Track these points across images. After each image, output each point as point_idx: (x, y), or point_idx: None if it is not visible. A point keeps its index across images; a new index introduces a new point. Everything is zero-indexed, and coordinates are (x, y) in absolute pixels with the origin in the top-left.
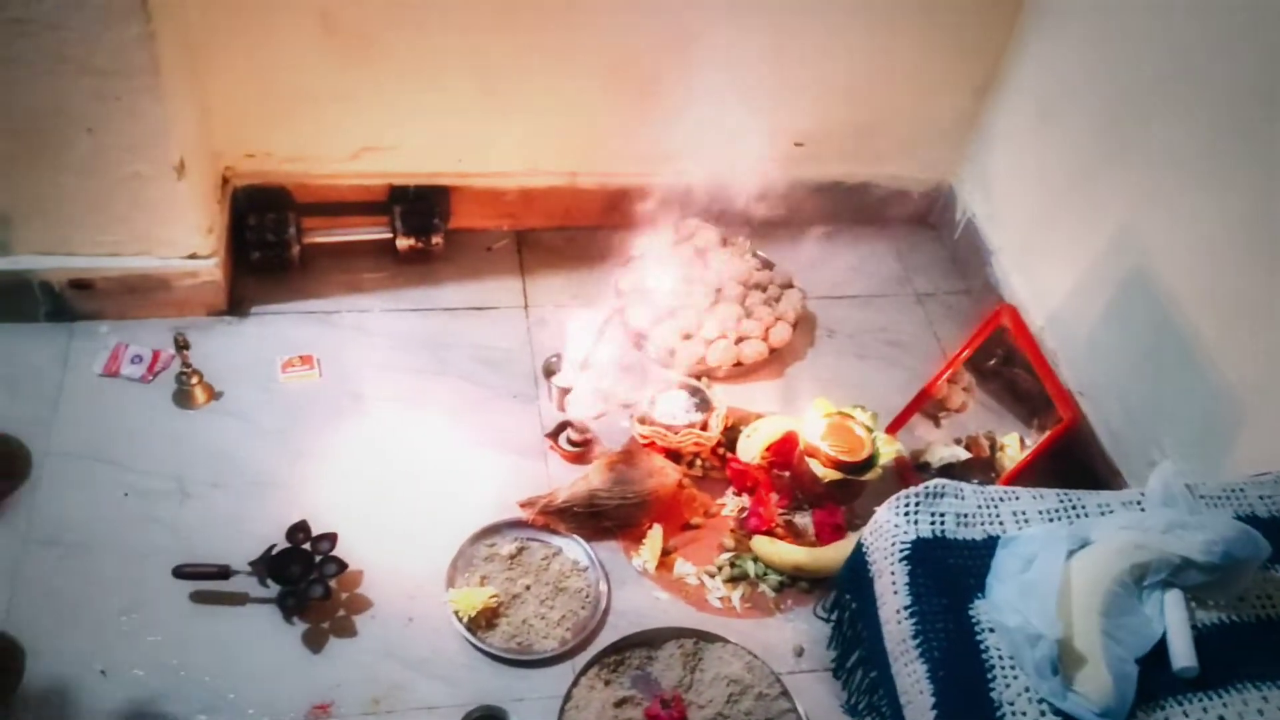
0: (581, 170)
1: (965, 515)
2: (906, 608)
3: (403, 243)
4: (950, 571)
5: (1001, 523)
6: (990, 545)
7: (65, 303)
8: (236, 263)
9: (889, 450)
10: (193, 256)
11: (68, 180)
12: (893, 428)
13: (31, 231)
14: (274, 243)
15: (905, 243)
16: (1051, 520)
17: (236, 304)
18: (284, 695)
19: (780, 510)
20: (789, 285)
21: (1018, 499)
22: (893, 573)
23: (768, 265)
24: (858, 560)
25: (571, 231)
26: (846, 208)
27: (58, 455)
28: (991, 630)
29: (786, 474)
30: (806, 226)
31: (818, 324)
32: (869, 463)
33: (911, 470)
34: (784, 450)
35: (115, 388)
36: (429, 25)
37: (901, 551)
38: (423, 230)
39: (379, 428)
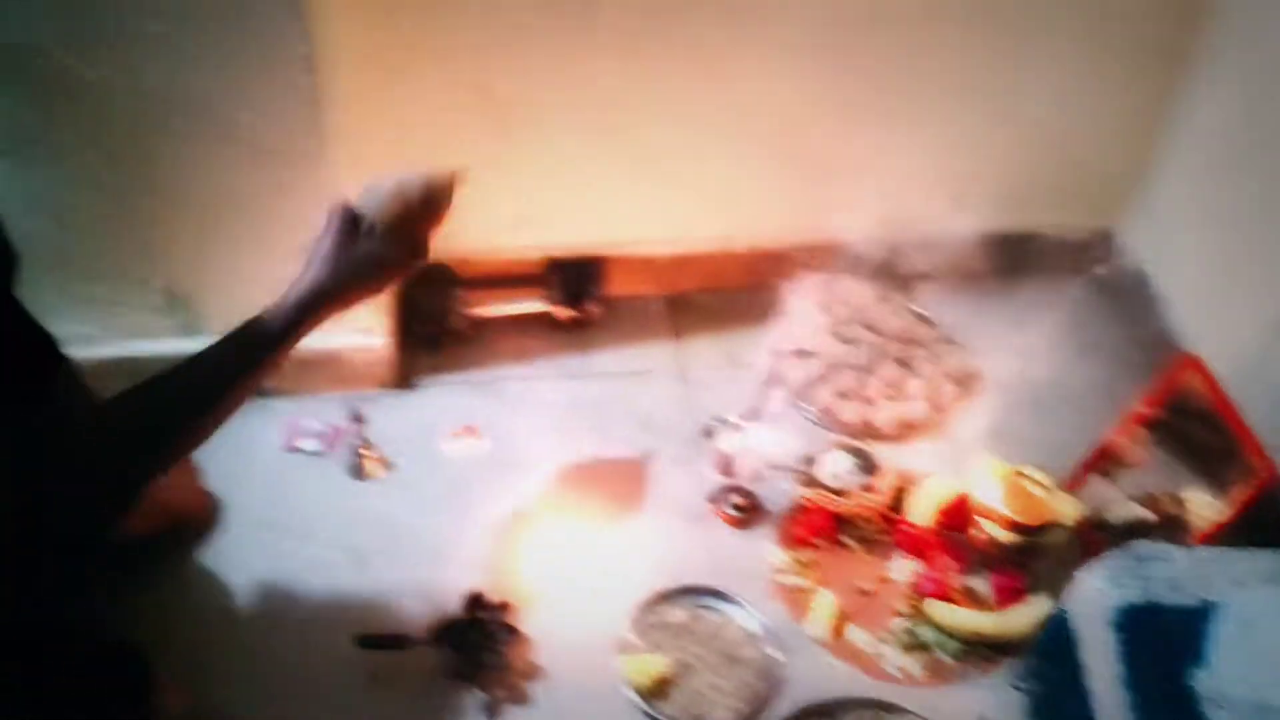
0: (734, 232)
1: (1176, 579)
2: (1120, 678)
3: (560, 312)
4: (1165, 640)
5: (1217, 586)
6: (1206, 611)
7: None
8: (404, 337)
9: (1069, 511)
10: (364, 333)
11: (244, 261)
12: (1068, 486)
13: (213, 312)
14: (438, 317)
15: (1071, 293)
16: (1273, 583)
17: (405, 377)
18: None
19: (956, 574)
20: (951, 341)
21: (1231, 560)
22: (1102, 641)
23: (928, 321)
24: (1058, 628)
25: (726, 293)
26: (1009, 258)
27: (240, 526)
28: (1220, 706)
29: (960, 536)
30: (967, 279)
31: (982, 380)
32: (1049, 524)
33: (1092, 531)
34: (957, 513)
35: (294, 461)
36: (581, 97)
37: (1111, 618)
38: (579, 299)
39: (544, 495)
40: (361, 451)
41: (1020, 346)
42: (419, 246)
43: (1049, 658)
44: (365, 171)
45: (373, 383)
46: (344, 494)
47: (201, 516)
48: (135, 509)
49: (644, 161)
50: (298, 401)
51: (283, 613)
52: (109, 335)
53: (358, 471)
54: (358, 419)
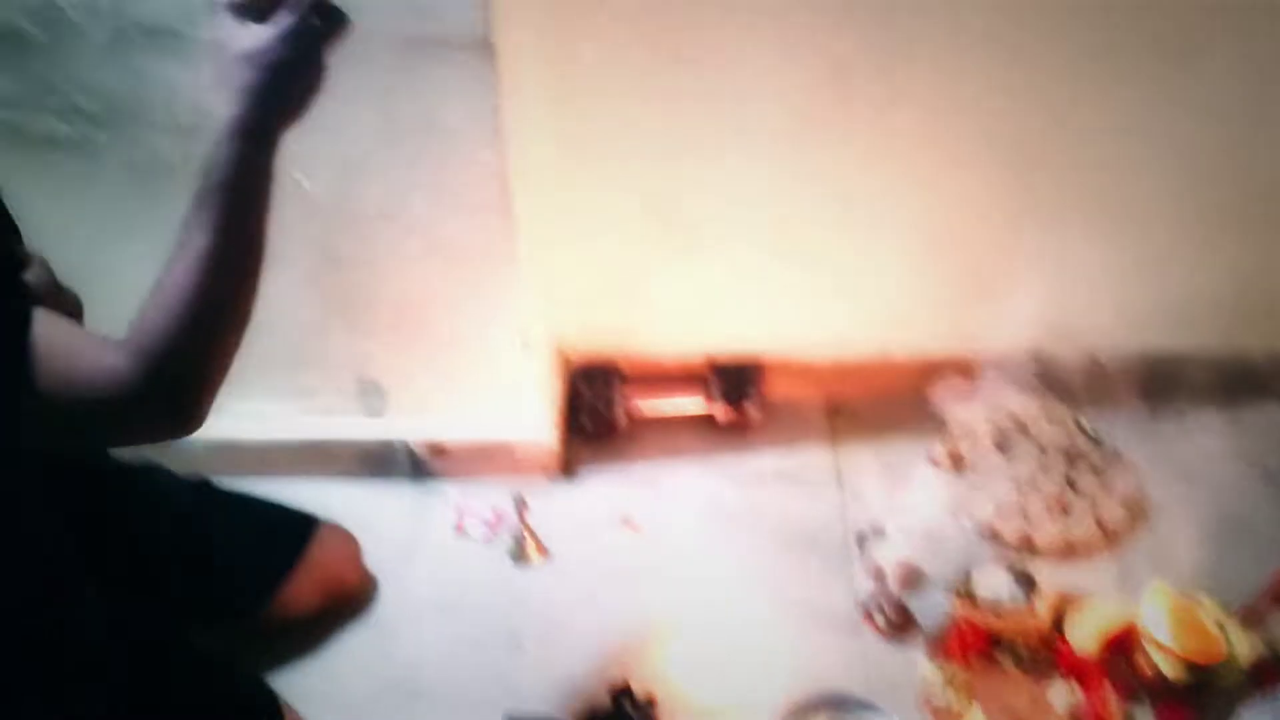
0: (896, 340)
1: None
2: None
3: (719, 413)
4: None
5: None
6: None
7: (422, 464)
8: (569, 430)
9: (1243, 647)
10: (532, 424)
11: (430, 354)
12: (1244, 620)
13: (400, 400)
14: (602, 412)
15: (1250, 415)
16: None
17: (567, 468)
18: None
19: (1118, 704)
20: (1119, 460)
21: None
22: None
23: (1096, 438)
24: None
25: (885, 401)
26: (1183, 377)
27: (404, 603)
28: None
29: (1124, 665)
30: (1138, 398)
31: (1152, 502)
32: (1224, 661)
33: (1269, 669)
34: (1122, 640)
35: (460, 543)
36: (747, 205)
37: None
38: (738, 401)
39: (695, 592)
40: (523, 537)
41: (1196, 470)
42: None
43: None
44: (551, 274)
45: (536, 471)
46: (504, 577)
47: (358, 593)
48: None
49: (807, 267)
50: (466, 485)
51: (436, 688)
52: (302, 417)
53: (519, 556)
54: (521, 505)
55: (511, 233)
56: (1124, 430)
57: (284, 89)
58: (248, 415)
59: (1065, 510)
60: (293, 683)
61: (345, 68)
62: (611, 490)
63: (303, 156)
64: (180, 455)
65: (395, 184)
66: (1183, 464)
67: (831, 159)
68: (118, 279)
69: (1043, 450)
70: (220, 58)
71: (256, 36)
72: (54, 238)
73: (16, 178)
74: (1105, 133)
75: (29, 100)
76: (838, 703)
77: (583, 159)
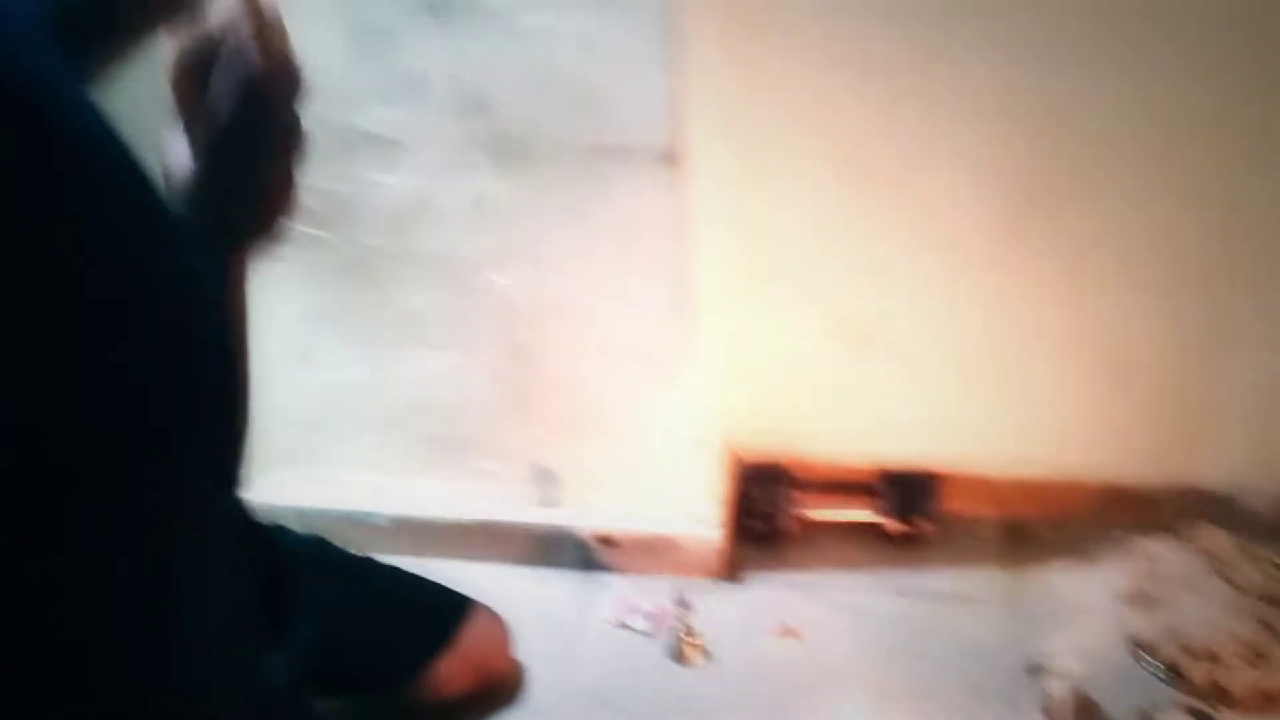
0: (1080, 462)
1: None
2: None
3: (890, 525)
4: None
5: None
6: None
7: (590, 555)
8: (736, 531)
9: None
10: (700, 523)
11: (606, 448)
12: None
13: (574, 490)
14: (770, 515)
15: None
16: None
17: (733, 570)
18: None
19: None
20: None
21: None
22: None
23: None
24: None
25: (1067, 526)
26: None
27: (562, 691)
28: None
29: None
30: None
31: None
32: None
33: None
34: None
35: (621, 637)
36: (933, 318)
37: None
38: (911, 513)
39: (854, 708)
40: (684, 637)
41: None
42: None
43: None
44: (728, 376)
45: (701, 571)
46: (662, 676)
47: (506, 679)
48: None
49: (991, 381)
50: (629, 580)
51: None
52: (476, 500)
53: (678, 655)
54: (684, 604)
55: (691, 335)
56: None
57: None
58: (425, 494)
59: (1261, 657)
60: None
61: (539, 170)
62: (775, 596)
63: (497, 254)
64: (354, 529)
65: (582, 282)
66: None
67: (1019, 277)
68: (331, 357)
69: (1238, 591)
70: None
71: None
72: (277, 323)
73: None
74: None
75: None
76: None
77: (765, 266)
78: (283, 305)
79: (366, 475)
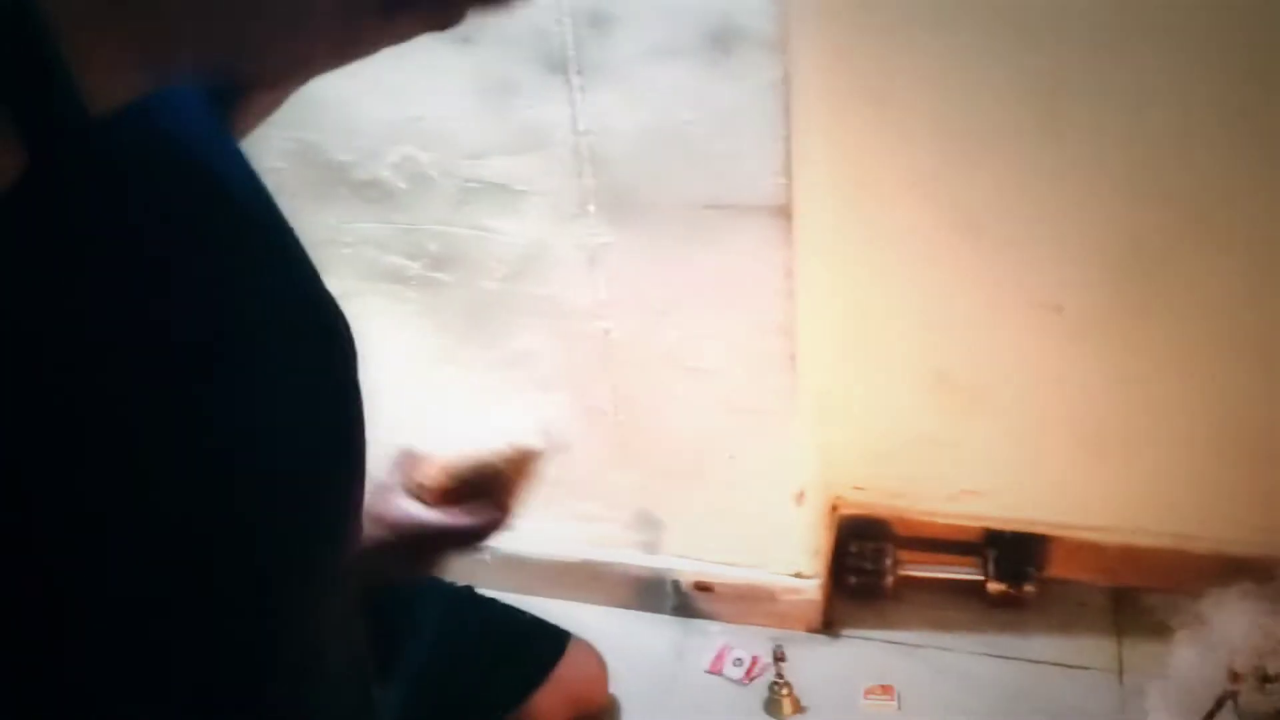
0: (1192, 532)
1: None
2: None
3: (993, 586)
4: None
5: None
6: None
7: (688, 601)
8: (834, 585)
9: None
10: (798, 575)
11: (706, 497)
12: None
13: (673, 536)
14: (870, 570)
15: None
16: None
17: (829, 624)
18: None
19: None
20: None
21: None
22: None
23: None
24: None
25: (1179, 596)
26: None
27: None
28: None
29: None
30: None
31: None
32: None
33: None
34: None
35: (715, 685)
36: (1039, 381)
37: None
38: (1015, 576)
39: None
40: (779, 689)
41: None
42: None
43: None
44: (832, 428)
45: (799, 624)
46: None
47: (602, 714)
48: None
49: (1100, 445)
50: (727, 628)
51: None
52: (579, 542)
53: (772, 708)
54: (780, 657)
55: (795, 388)
56: None
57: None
58: (530, 533)
59: None
60: None
61: (651, 222)
62: (873, 653)
63: (610, 304)
64: (459, 564)
65: (690, 333)
66: None
67: (1129, 340)
68: (447, 396)
69: None
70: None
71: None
72: (398, 360)
73: (372, 305)
74: None
75: (390, 241)
76: None
77: (870, 321)
78: (400, 344)
79: None
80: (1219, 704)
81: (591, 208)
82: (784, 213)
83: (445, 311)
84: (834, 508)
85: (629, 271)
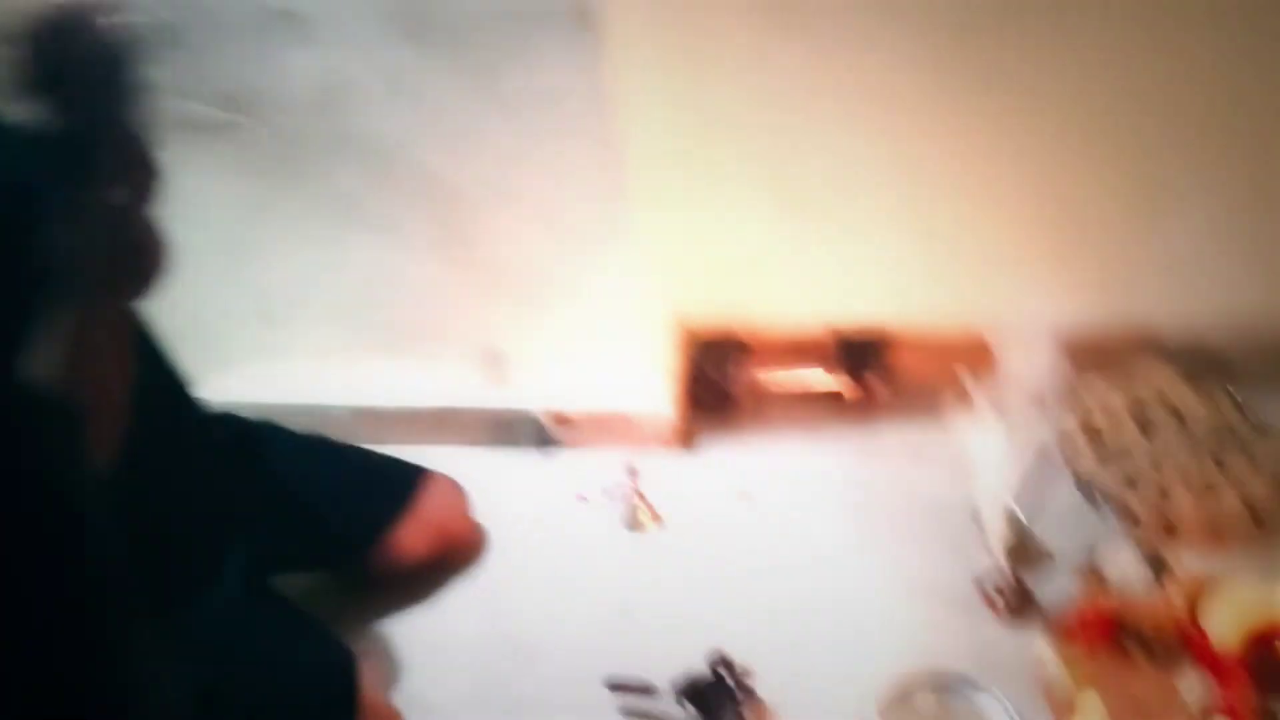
0: (1032, 312)
1: None
2: None
3: (843, 386)
4: None
5: None
6: None
7: (545, 434)
8: (688, 403)
9: None
10: (652, 397)
11: (554, 327)
12: None
13: (523, 371)
14: (722, 384)
15: None
16: None
17: (687, 440)
18: None
19: (1258, 702)
20: (1271, 435)
21: None
22: None
23: (1244, 412)
24: None
25: (1021, 380)
26: None
27: (521, 567)
28: None
29: (1267, 659)
30: None
31: None
32: None
33: None
34: (1266, 632)
35: (579, 509)
36: (867, 183)
37: None
38: (863, 375)
39: (806, 565)
40: (636, 505)
41: None
42: None
43: None
44: (670, 247)
45: (656, 442)
46: (616, 544)
47: (467, 543)
48: None
49: (928, 240)
50: (584, 454)
51: (542, 645)
52: (432, 385)
53: (632, 523)
54: (634, 474)
55: (625, 206)
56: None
57: None
58: (380, 383)
59: (1208, 490)
60: (402, 631)
61: (449, 43)
62: (729, 463)
63: (415, 130)
64: (306, 418)
65: (508, 156)
66: None
67: (954, 126)
68: (270, 249)
69: (1186, 426)
70: None
71: None
72: (211, 215)
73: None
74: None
75: (187, 89)
76: (945, 682)
77: (698, 131)
78: (213, 197)
79: (320, 366)
80: (1041, 458)
81: (385, 28)
82: (586, 16)
83: (252, 159)
84: (681, 326)
85: (433, 95)
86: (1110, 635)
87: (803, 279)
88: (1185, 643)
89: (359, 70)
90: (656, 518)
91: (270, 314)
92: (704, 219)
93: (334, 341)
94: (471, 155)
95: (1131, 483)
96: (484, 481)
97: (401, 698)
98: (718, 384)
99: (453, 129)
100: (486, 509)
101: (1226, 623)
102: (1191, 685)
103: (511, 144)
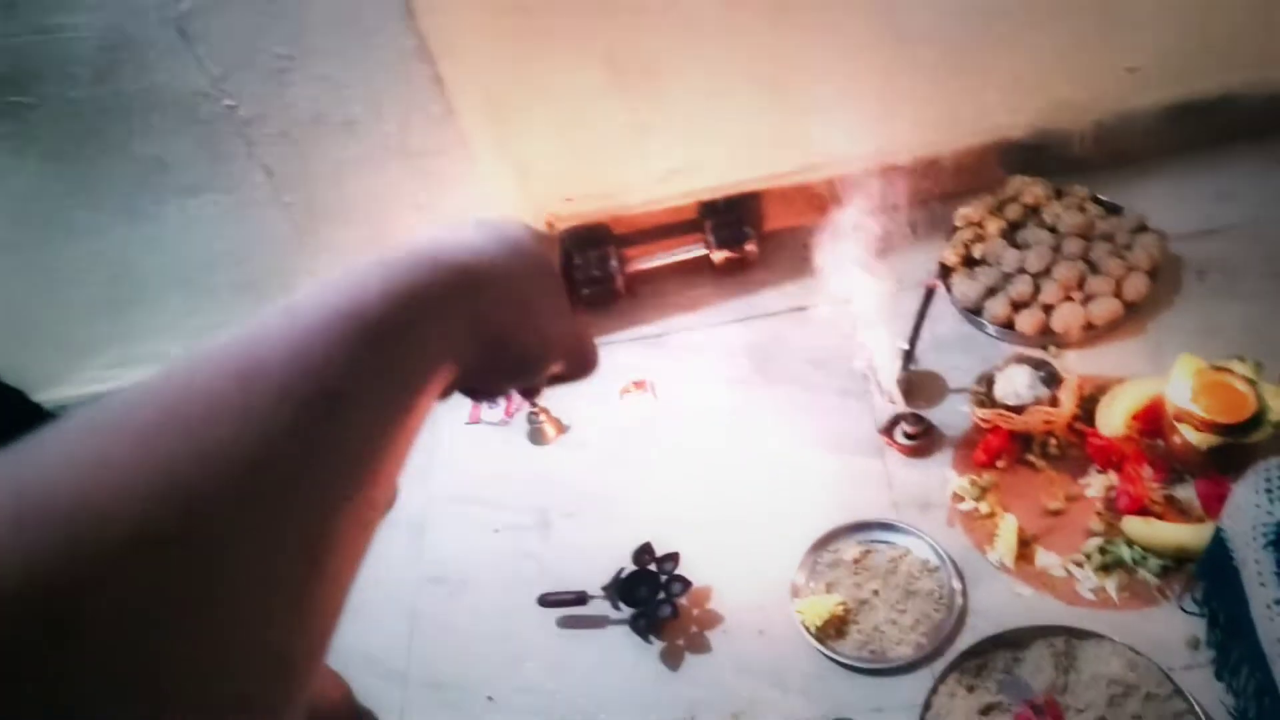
0: (890, 147)
1: None
2: (1278, 601)
3: (718, 256)
4: None
5: None
6: None
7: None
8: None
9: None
10: None
11: None
12: None
13: None
14: (599, 277)
15: None
16: None
17: None
18: (650, 712)
19: (1156, 485)
20: (1142, 229)
21: None
22: (1257, 561)
23: (1114, 210)
24: (1217, 549)
25: (889, 213)
26: (1204, 128)
27: (438, 500)
28: None
29: (1157, 444)
30: (1155, 158)
31: (1184, 267)
32: (1254, 421)
33: None
34: (1152, 418)
35: (479, 434)
36: (707, 44)
37: (1266, 536)
38: (735, 240)
39: (713, 442)
40: (536, 418)
41: (1225, 223)
42: None
43: (1212, 582)
44: (516, 145)
45: None
46: (526, 460)
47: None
48: None
49: (781, 92)
50: None
51: (473, 576)
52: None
53: (536, 437)
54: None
55: (455, 113)
56: (1146, 196)
57: None
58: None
59: (1084, 292)
60: None
61: None
62: (621, 355)
63: (223, 77)
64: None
65: (326, 86)
66: (1213, 219)
67: None
68: (90, 225)
69: (1057, 235)
70: None
71: None
72: (20, 204)
73: None
74: None
75: None
76: (863, 528)
77: (528, 20)
78: (18, 184)
79: (178, 342)
80: (928, 295)
81: None
82: None
83: (53, 138)
84: (549, 225)
85: (228, 35)
86: (1013, 453)
87: (660, 152)
88: (1083, 444)
89: (137, 22)
90: (561, 428)
91: (115, 300)
92: (546, 113)
93: (190, 311)
94: (284, 92)
95: (1012, 301)
96: None
97: (340, 657)
98: (596, 278)
99: (263, 68)
100: None
101: (1119, 416)
102: (1094, 483)
103: (325, 71)
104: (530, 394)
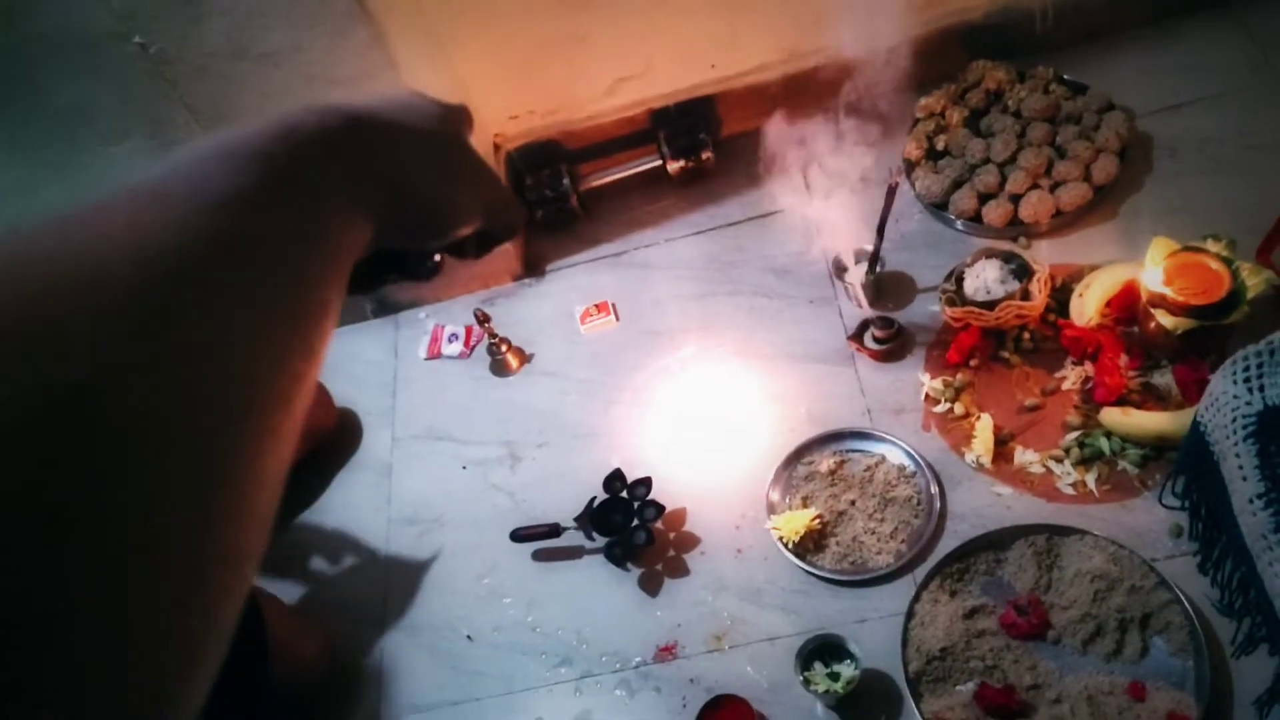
0: (846, 40)
1: None
2: (1260, 495)
3: (673, 166)
4: None
5: None
6: None
7: (385, 299)
8: (526, 227)
9: (1257, 280)
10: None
11: None
12: (1263, 251)
13: None
14: (553, 198)
15: (1258, 16)
16: None
17: (532, 265)
18: (631, 641)
19: (1132, 372)
20: (1109, 108)
21: None
22: (1238, 455)
23: (1079, 90)
24: (1196, 440)
25: (851, 109)
26: None
27: (403, 439)
28: None
29: (1132, 331)
30: (1119, 33)
31: (1154, 145)
32: (1231, 301)
33: None
34: (1125, 303)
35: (440, 368)
36: None
37: (1246, 428)
38: (691, 149)
39: (680, 360)
40: (497, 349)
41: (1193, 96)
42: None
43: (1193, 475)
44: (454, 64)
45: (505, 278)
46: (489, 393)
47: (336, 432)
48: None
49: None
50: (433, 309)
51: (445, 514)
52: None
53: (499, 369)
54: (482, 319)
55: (383, 40)
56: (1110, 73)
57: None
58: None
59: (1052, 178)
60: (313, 525)
61: None
62: (581, 277)
63: (131, 14)
64: None
65: (242, 17)
66: (1150, 100)
67: None
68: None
69: (1021, 119)
70: None
71: None
72: None
73: None
74: None
75: None
76: (836, 438)
77: None
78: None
79: None
80: (891, 193)
81: None
82: None
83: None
84: (498, 146)
85: None
86: (986, 350)
87: (605, 61)
88: (1058, 337)
89: None
90: (524, 356)
91: None
92: (481, 30)
93: None
94: (198, 26)
95: (978, 193)
96: (338, 364)
97: (316, 605)
98: (549, 198)
99: (169, 1)
100: (348, 390)
101: (1092, 304)
102: (1071, 376)
103: (244, 2)
104: (459, 253)
